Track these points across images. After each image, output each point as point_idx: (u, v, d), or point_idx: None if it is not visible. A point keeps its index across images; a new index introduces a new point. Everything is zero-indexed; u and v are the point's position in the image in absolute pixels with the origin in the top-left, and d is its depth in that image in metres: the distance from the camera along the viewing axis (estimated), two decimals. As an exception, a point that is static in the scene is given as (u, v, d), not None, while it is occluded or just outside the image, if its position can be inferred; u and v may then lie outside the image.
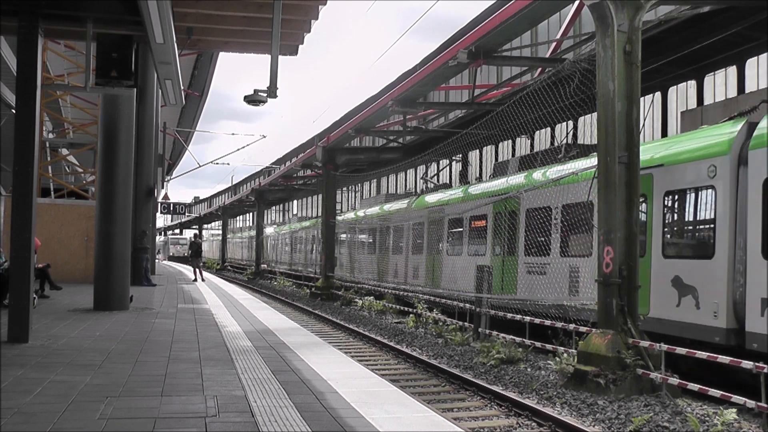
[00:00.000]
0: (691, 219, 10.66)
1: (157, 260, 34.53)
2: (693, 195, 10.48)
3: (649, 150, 11.41)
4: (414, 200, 23.04)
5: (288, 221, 52.38)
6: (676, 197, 10.88)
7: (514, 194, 15.14)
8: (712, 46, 15.94)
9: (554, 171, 13.87)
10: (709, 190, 10.07)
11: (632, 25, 10.14)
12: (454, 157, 29.04)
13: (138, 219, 20.37)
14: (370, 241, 27.15)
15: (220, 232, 72.75)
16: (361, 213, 29.50)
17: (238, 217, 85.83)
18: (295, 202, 66.48)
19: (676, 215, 11.06)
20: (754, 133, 9.46)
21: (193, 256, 27.19)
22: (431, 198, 21.67)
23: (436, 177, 29.30)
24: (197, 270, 26.85)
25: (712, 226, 9.98)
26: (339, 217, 32.58)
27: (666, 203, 10.99)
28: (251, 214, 71.46)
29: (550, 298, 13.18)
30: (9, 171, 12.67)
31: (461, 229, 18.28)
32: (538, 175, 14.82)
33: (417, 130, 26.40)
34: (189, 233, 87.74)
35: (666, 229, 11.01)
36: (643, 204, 11.13)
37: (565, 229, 13.31)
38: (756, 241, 9.10)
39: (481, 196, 17.28)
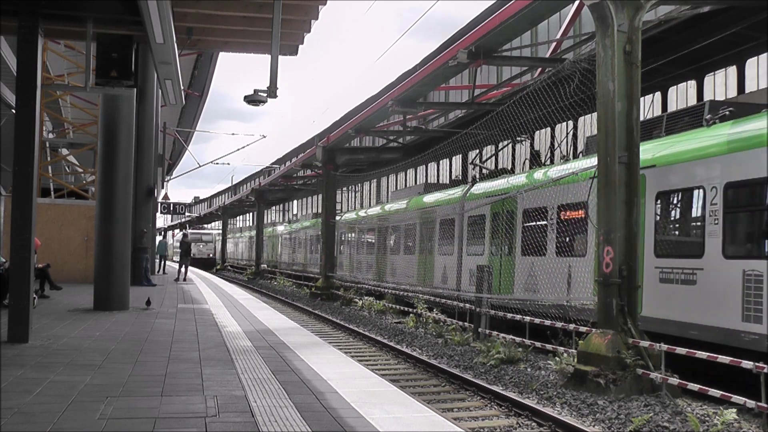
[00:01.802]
0: None
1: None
2: None
3: None
4: (468, 188, 18.81)
5: (292, 219, 50.25)
6: None
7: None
8: (712, 46, 15.95)
9: (703, 138, 10.30)
10: None
11: (632, 25, 10.14)
12: (519, 138, 22.26)
13: (138, 219, 20.36)
14: (407, 241, 22.53)
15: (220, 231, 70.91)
16: (392, 207, 24.95)
17: (238, 217, 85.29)
18: (295, 202, 66.48)
19: None
20: None
21: (183, 255, 27.18)
22: (490, 185, 17.53)
23: (488, 162, 24.96)
24: (184, 269, 26.75)
25: None
26: (362, 212, 29.15)
27: None
28: (251, 214, 70.86)
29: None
30: (9, 171, 12.67)
31: (544, 223, 14.33)
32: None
33: (417, 130, 26.41)
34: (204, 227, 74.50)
35: None
36: None
37: (734, 221, 9.62)
38: None
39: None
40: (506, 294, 14.97)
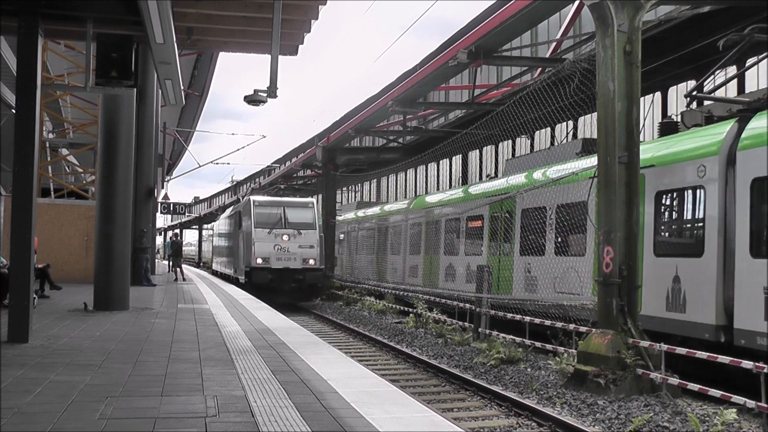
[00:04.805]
0: None
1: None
2: None
3: None
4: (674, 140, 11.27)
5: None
6: None
7: None
8: (712, 46, 15.92)
9: None
10: None
11: (632, 25, 10.15)
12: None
13: (138, 219, 20.36)
14: (534, 232, 14.49)
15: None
16: (498, 182, 17.39)
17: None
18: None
19: None
20: None
21: (174, 255, 27.13)
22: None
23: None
24: (178, 269, 26.73)
25: None
26: (460, 191, 19.91)
27: None
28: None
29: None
30: (9, 171, 12.67)
31: None
32: None
33: (417, 130, 26.45)
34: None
35: None
36: None
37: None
38: None
39: None
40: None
